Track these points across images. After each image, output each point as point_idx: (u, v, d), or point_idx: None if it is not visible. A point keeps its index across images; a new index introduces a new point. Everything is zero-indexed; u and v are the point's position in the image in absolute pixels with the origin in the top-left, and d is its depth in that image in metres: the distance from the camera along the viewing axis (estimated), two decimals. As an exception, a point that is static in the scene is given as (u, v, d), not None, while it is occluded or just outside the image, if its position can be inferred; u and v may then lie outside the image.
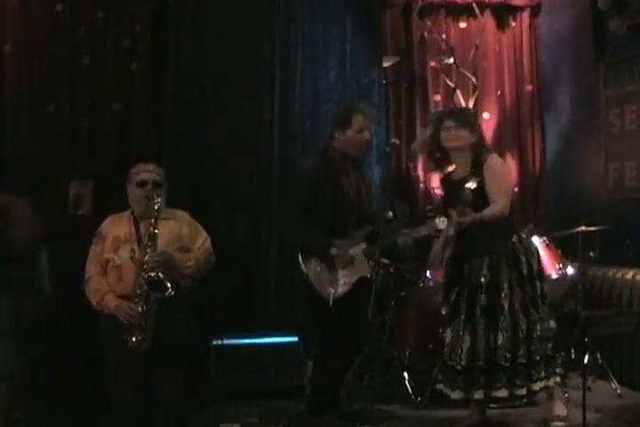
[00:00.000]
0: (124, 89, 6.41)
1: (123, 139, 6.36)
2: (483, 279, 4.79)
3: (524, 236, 4.95)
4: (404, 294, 6.22)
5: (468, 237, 4.77)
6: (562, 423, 4.99)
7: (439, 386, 5.04)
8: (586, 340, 4.51)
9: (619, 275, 6.12)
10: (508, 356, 4.74)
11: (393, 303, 6.25)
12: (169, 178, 6.23)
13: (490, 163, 4.72)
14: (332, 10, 7.02)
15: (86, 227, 4.85)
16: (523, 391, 4.82)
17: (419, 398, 5.71)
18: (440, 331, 5.21)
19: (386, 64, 7.29)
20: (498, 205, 4.71)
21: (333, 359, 5.24)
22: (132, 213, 4.69)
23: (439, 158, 5.05)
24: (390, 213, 5.17)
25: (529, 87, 7.77)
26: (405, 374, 5.91)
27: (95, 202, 6.16)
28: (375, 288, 4.82)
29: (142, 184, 4.64)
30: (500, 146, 7.65)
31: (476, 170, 4.80)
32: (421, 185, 7.41)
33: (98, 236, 4.69)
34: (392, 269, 6.22)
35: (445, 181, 5.12)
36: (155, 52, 6.48)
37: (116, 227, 4.67)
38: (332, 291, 5.11)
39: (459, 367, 4.81)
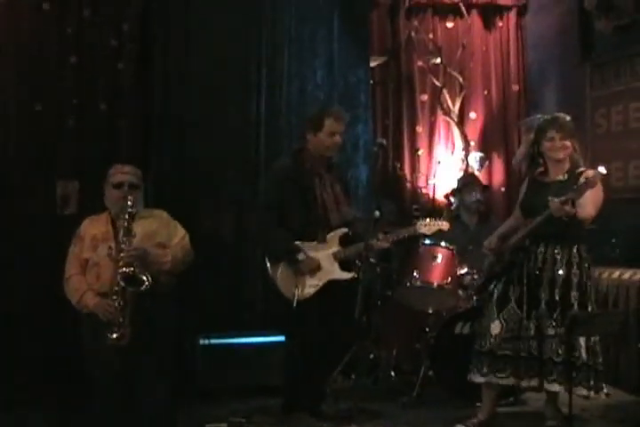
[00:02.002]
0: (110, 89, 6.40)
1: (109, 139, 6.36)
2: (560, 272, 4.86)
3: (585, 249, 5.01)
4: (390, 293, 6.22)
5: (549, 228, 4.79)
6: (555, 422, 5.02)
7: (483, 378, 4.96)
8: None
9: (605, 275, 6.13)
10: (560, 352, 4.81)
11: (379, 303, 6.27)
12: (155, 177, 6.28)
13: (589, 174, 4.74)
14: (319, 9, 7.01)
15: (72, 227, 4.84)
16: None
17: (405, 398, 5.72)
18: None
19: (373, 64, 7.30)
20: (588, 212, 4.78)
21: (301, 359, 5.22)
22: (110, 213, 4.72)
23: (537, 164, 5.07)
24: (377, 213, 5.16)
25: (515, 87, 7.80)
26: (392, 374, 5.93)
27: (81, 202, 6.15)
28: (361, 288, 4.82)
29: (118, 186, 4.67)
30: (487, 145, 7.68)
31: (573, 177, 4.86)
32: (408, 184, 7.43)
33: (76, 237, 4.73)
34: (378, 269, 6.23)
35: (534, 183, 5.11)
36: (141, 52, 6.47)
37: (93, 227, 4.71)
38: (296, 292, 5.09)
39: (523, 354, 4.86)
